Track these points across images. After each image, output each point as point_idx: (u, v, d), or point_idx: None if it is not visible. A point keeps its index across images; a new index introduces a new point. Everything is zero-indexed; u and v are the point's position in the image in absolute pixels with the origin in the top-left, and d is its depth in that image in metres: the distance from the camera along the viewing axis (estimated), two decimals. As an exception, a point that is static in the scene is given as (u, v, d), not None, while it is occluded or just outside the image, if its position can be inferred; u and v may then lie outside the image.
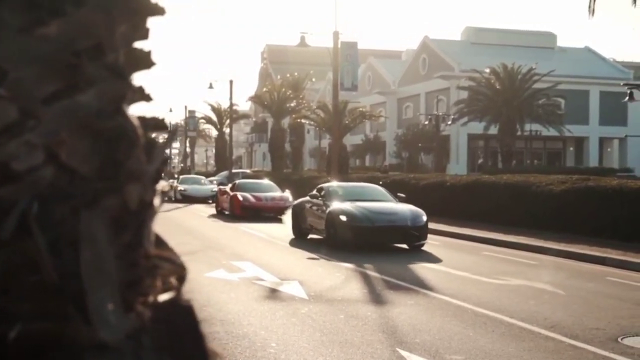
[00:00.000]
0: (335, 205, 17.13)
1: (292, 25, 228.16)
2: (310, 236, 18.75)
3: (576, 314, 9.34)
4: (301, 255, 15.73)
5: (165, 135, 1.90)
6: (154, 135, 1.86)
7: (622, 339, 7.96)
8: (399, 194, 19.04)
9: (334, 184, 20.88)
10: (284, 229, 21.55)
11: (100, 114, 1.44)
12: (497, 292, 11.04)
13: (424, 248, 16.42)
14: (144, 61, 1.72)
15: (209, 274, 12.28)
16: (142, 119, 1.66)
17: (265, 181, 31.07)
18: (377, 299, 10.24)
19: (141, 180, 1.52)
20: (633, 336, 8.13)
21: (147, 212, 1.55)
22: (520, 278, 12.44)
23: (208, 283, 11.44)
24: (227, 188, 29.21)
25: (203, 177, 45.55)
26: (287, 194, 27.99)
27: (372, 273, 12.69)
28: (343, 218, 16.40)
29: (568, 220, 19.15)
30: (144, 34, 1.70)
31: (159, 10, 1.70)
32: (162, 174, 1.73)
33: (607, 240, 17.13)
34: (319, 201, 18.11)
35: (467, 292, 10.79)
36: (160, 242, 1.70)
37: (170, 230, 21.07)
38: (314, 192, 19.10)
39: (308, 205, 18.74)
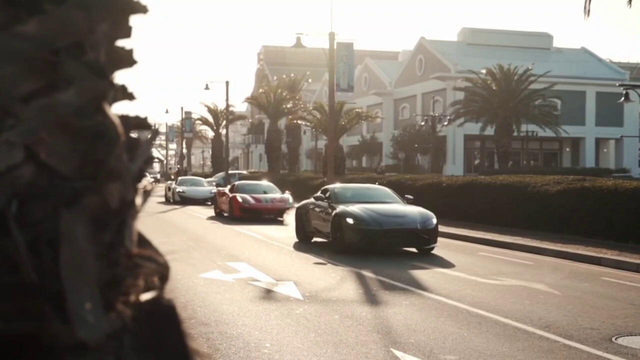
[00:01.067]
0: (342, 207, 16.48)
1: (288, 26, 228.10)
2: (315, 239, 18.27)
3: (571, 314, 9.35)
4: (296, 256, 15.72)
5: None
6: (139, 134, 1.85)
7: (615, 339, 7.97)
8: (406, 195, 18.55)
9: (339, 185, 20.06)
10: (286, 231, 21.28)
11: (80, 112, 1.44)
12: (493, 292, 11.04)
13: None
14: (126, 59, 1.71)
15: (204, 275, 12.28)
16: (123, 117, 1.65)
17: (265, 182, 30.64)
18: (372, 300, 10.23)
19: (122, 179, 1.51)
20: (627, 336, 8.14)
21: (128, 211, 1.54)
22: (516, 278, 12.44)
23: (203, 284, 11.44)
24: (226, 189, 28.79)
25: (202, 179, 44.86)
26: (288, 195, 27.68)
27: (368, 274, 12.68)
28: (350, 221, 15.76)
29: (564, 221, 19.17)
30: (126, 32, 1.69)
31: (141, 9, 1.69)
32: (145, 173, 1.72)
33: (602, 241, 17.15)
34: (324, 203, 17.51)
35: (462, 293, 10.79)
36: (143, 241, 1.69)
37: (169, 231, 21.04)
38: (319, 193, 18.51)
39: (312, 208, 18.14)
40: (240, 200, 26.18)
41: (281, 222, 25.00)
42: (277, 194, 27.50)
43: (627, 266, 13.97)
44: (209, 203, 35.12)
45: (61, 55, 1.45)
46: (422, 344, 7.63)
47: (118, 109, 1.80)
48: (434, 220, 15.97)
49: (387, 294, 10.63)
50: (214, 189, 34.91)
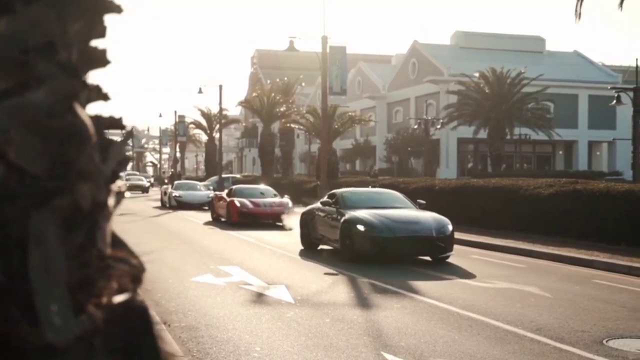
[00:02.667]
0: (351, 213, 15.51)
1: (282, 30, 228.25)
2: (321, 247, 17.29)
3: (562, 316, 9.35)
4: (288, 259, 15.70)
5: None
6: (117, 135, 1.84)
7: (607, 341, 7.97)
8: (419, 200, 17.64)
9: (347, 189, 18.89)
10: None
11: (50, 112, 1.42)
12: (484, 295, 11.04)
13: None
14: (99, 59, 1.70)
15: (196, 279, 12.25)
16: (96, 117, 1.64)
17: (264, 186, 29.84)
18: (363, 303, 10.22)
19: (94, 179, 1.49)
20: (618, 338, 8.14)
21: (100, 212, 1.52)
22: (508, 281, 12.44)
23: (194, 287, 11.41)
24: (224, 194, 28.04)
25: (199, 183, 43.90)
26: (287, 199, 27.03)
27: (359, 277, 12.66)
28: (361, 228, 14.87)
29: (556, 224, 19.20)
30: (100, 32, 1.67)
31: (115, 8, 1.67)
32: (119, 174, 1.69)
33: (594, 243, 17.18)
34: (332, 209, 16.49)
35: (454, 296, 10.79)
36: (117, 243, 1.67)
37: (163, 236, 20.99)
38: (325, 198, 17.53)
39: (319, 213, 17.12)
40: (238, 204, 25.45)
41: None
42: (276, 198, 26.85)
43: (618, 269, 13.99)
44: (206, 208, 34.27)
45: (32, 55, 1.44)
46: (412, 347, 7.62)
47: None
48: (450, 227, 15.22)
49: (378, 297, 10.62)
50: (211, 194, 34.25)
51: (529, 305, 10.17)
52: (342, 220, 15.53)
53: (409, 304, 10.16)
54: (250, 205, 25.42)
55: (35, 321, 1.32)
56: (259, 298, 10.55)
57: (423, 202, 17.39)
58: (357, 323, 8.79)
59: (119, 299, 1.56)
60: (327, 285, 11.99)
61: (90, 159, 1.51)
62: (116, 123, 1.72)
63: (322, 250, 16.59)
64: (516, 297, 10.88)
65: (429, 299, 10.49)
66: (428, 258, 15.19)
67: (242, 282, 11.98)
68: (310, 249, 17.20)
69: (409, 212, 16.01)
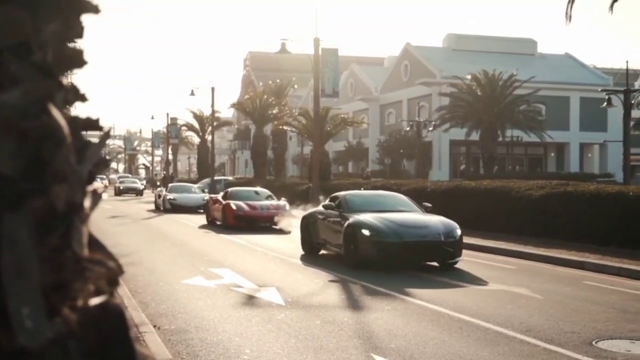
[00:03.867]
0: (355, 217, 14.85)
1: (275, 32, 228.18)
2: (323, 251, 16.73)
3: (552, 318, 9.36)
4: (280, 261, 15.68)
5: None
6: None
7: (596, 342, 7.99)
8: (424, 203, 16.94)
9: (350, 192, 18.24)
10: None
11: (25, 113, 1.40)
12: (475, 297, 11.05)
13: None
14: (76, 60, 1.68)
15: (186, 281, 12.22)
16: (72, 118, 1.62)
17: (260, 189, 29.16)
18: (354, 305, 10.21)
19: (69, 181, 1.48)
20: (607, 339, 8.16)
21: (76, 214, 1.51)
22: (498, 283, 12.45)
23: (185, 290, 11.38)
24: (219, 196, 27.40)
25: (193, 185, 43.14)
26: (284, 202, 26.44)
27: (350, 279, 12.66)
28: (366, 232, 14.20)
29: (547, 225, 19.24)
30: (78, 32, 1.66)
31: (92, 8, 1.66)
32: (96, 175, 1.68)
33: (585, 245, 17.21)
34: (335, 212, 15.86)
35: (444, 297, 10.79)
36: (95, 245, 1.65)
37: (157, 240, 20.92)
38: (327, 202, 16.86)
39: (321, 217, 16.47)
40: (234, 207, 24.89)
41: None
42: (273, 201, 26.22)
43: (608, 270, 14.02)
44: (201, 211, 33.53)
45: (5, 55, 1.43)
46: (402, 349, 7.61)
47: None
48: (459, 231, 14.57)
49: (369, 300, 10.62)
50: (206, 196, 33.68)
51: (520, 306, 10.18)
52: (345, 224, 14.88)
53: (400, 305, 10.16)
54: (246, 208, 24.87)
55: (8, 324, 1.31)
56: (250, 300, 10.53)
57: (429, 205, 16.73)
58: (348, 325, 8.78)
59: (94, 301, 1.55)
60: (318, 287, 11.97)
61: (65, 160, 1.49)
62: (93, 124, 1.71)
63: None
64: (507, 298, 10.90)
65: (419, 300, 10.49)
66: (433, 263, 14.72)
67: (233, 284, 11.95)
68: (310, 254, 16.66)
69: (416, 216, 15.41)
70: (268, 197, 26.91)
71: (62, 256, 1.53)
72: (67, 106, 1.66)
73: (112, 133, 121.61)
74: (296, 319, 9.08)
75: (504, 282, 12.54)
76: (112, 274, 1.66)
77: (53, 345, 1.44)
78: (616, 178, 49.87)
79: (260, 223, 24.46)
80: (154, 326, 8.41)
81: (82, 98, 1.75)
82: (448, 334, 8.37)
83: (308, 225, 17.05)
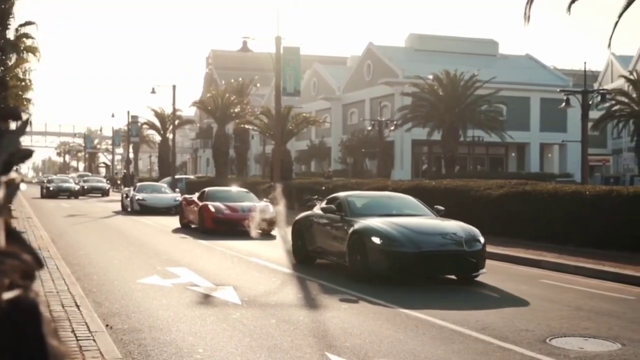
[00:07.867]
0: (362, 222, 12.94)
1: (237, 31, 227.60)
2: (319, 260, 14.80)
3: (508, 316, 9.41)
4: (238, 260, 15.54)
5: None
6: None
7: (550, 340, 8.03)
8: (436, 206, 14.74)
9: (351, 193, 16.22)
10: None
11: None
12: (431, 295, 11.07)
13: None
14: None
15: (142, 280, 12.05)
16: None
17: (239, 189, 26.64)
18: (311, 304, 10.16)
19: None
20: (561, 337, 8.21)
21: (-14, 205, 1.42)
22: (456, 282, 12.49)
23: (140, 289, 11.22)
24: (195, 197, 24.89)
25: (164, 185, 40.11)
26: (267, 203, 23.70)
27: (308, 277, 12.60)
28: (376, 240, 12.27)
29: (506, 224, 19.39)
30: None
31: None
32: (13, 165, 1.59)
33: (543, 244, 17.38)
34: (335, 216, 13.87)
35: (400, 296, 10.78)
36: (13, 237, 1.56)
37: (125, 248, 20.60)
38: (324, 204, 14.72)
39: (318, 221, 14.51)
40: (212, 209, 22.52)
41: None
42: (254, 202, 23.57)
43: (565, 268, 14.16)
44: (173, 212, 30.96)
45: None
46: (357, 347, 7.57)
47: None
48: (482, 239, 12.73)
49: (326, 298, 10.57)
50: (179, 197, 31.71)
51: (476, 305, 10.22)
52: (350, 230, 12.93)
53: (356, 304, 10.13)
54: (226, 211, 22.57)
55: None
56: (206, 299, 10.41)
57: (442, 208, 14.65)
58: (303, 324, 8.72)
59: (7, 295, 1.47)
60: (276, 286, 11.90)
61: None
62: (12, 113, 1.63)
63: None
64: (463, 297, 10.93)
65: (376, 299, 10.46)
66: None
67: (189, 283, 11.82)
68: (303, 263, 14.65)
69: (431, 221, 13.45)
70: (249, 199, 24.46)
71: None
72: None
73: (72, 131, 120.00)
74: (251, 318, 9.00)
75: (460, 281, 12.57)
76: (26, 268, 1.57)
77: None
78: (575, 178, 50.55)
79: (242, 227, 21.57)
80: (107, 325, 8.26)
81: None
82: (403, 332, 8.35)
83: (302, 231, 14.97)
